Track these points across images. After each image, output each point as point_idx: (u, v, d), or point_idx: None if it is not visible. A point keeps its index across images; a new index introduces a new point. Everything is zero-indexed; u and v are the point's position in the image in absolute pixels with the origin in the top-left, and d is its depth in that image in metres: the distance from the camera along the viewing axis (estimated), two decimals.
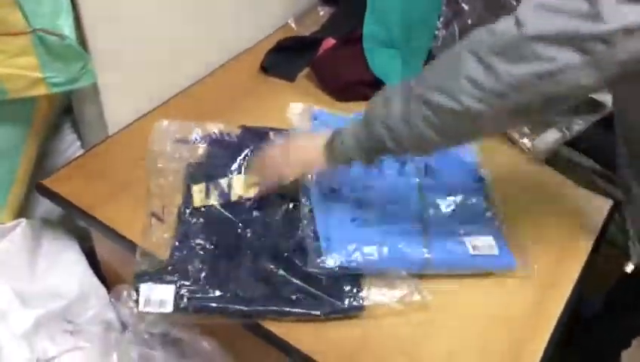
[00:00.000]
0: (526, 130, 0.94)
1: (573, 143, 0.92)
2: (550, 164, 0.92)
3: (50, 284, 0.83)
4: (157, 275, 0.70)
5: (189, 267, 0.71)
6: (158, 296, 0.68)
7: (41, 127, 0.88)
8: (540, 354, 0.68)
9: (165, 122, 0.90)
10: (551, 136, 0.93)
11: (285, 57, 1.09)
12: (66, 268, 0.86)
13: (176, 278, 0.70)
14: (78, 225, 0.92)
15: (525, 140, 0.93)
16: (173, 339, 0.74)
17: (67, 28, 0.75)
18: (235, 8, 1.09)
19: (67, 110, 0.99)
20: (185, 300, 0.68)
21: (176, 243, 0.74)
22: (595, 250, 0.80)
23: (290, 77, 1.07)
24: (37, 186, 0.86)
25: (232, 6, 1.07)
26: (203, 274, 0.71)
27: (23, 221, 0.84)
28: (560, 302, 0.73)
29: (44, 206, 0.92)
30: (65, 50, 0.75)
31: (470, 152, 0.91)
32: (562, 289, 0.75)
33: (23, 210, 0.89)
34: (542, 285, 0.75)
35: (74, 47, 0.76)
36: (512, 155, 0.94)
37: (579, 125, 0.93)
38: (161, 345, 0.72)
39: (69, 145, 0.99)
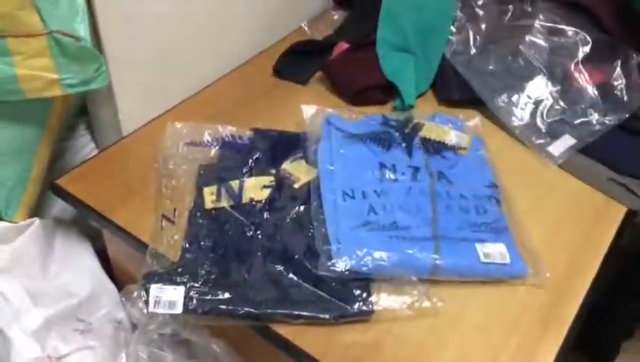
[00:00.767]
0: (541, 135, 0.94)
1: (588, 149, 0.91)
2: (565, 170, 0.91)
3: (62, 283, 0.84)
4: (167, 276, 0.70)
5: (199, 269, 0.72)
6: (168, 297, 0.68)
7: (56, 127, 0.89)
8: (552, 360, 0.67)
9: (178, 124, 0.91)
10: (566, 142, 0.92)
11: (298, 61, 1.10)
12: (78, 268, 0.86)
13: (185, 280, 0.70)
14: (90, 225, 0.93)
15: (540, 146, 0.93)
16: (183, 340, 0.74)
17: (82, 30, 0.76)
18: (248, 12, 1.09)
19: (82, 110, 1.01)
20: (194, 302, 0.68)
21: (187, 245, 0.74)
22: (609, 257, 0.79)
23: (302, 80, 1.07)
24: (51, 186, 0.87)
25: (244, 10, 1.08)
26: (213, 276, 0.71)
27: (37, 220, 0.85)
28: (572, 309, 0.72)
29: (58, 205, 0.93)
30: (80, 52, 0.76)
31: (484, 158, 0.90)
32: (575, 296, 0.74)
33: (36, 210, 0.91)
34: (554, 292, 0.74)
35: (89, 48, 0.77)
36: (526, 161, 0.93)
37: (594, 131, 0.92)
38: (171, 345, 0.72)
39: (84, 146, 1.00)
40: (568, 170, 0.90)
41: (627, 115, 0.93)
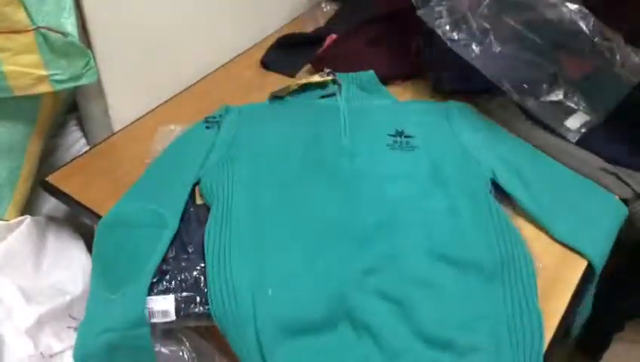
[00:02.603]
0: (556, 113, 0.93)
1: (580, 139, 0.91)
2: (557, 159, 0.90)
3: (54, 281, 0.83)
4: (156, 286, 0.69)
5: (186, 273, 0.70)
6: (160, 307, 0.67)
7: (46, 124, 0.89)
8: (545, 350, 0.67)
9: (169, 126, 0.91)
10: (581, 118, 0.92)
11: (286, 53, 1.09)
12: (70, 265, 0.86)
13: (174, 286, 0.69)
14: (82, 222, 0.92)
15: (556, 122, 0.92)
16: (175, 337, 0.74)
17: (70, 25, 0.76)
18: (239, 6, 1.09)
19: (73, 107, 1.00)
20: (186, 307, 0.68)
21: (174, 252, 0.73)
22: None
23: (291, 73, 1.07)
24: (42, 183, 0.86)
25: (235, 3, 1.07)
26: (202, 279, 0.70)
27: (28, 218, 0.84)
28: (564, 300, 0.72)
29: (50, 203, 0.93)
30: (68, 48, 0.76)
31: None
32: (567, 285, 0.74)
33: (28, 207, 0.90)
34: (546, 282, 0.73)
35: (76, 44, 0.76)
36: None
37: (604, 110, 0.92)
38: (162, 341, 0.72)
39: (75, 142, 1.00)
40: (560, 160, 0.90)
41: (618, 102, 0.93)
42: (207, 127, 0.89)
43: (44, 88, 0.78)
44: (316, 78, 0.95)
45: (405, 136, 0.86)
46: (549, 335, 0.68)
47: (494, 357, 0.63)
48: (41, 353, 0.76)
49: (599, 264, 0.75)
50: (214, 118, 0.90)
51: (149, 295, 0.68)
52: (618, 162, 0.87)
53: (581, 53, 0.99)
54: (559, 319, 0.70)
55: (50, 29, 0.74)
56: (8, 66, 0.74)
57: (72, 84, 0.79)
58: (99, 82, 0.88)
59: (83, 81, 0.80)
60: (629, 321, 1.16)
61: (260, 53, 1.10)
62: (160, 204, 0.77)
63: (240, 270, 0.68)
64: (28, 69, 0.75)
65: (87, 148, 0.97)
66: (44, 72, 0.76)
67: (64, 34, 0.75)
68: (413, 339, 0.64)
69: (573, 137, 0.90)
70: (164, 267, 0.71)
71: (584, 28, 0.99)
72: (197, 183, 0.81)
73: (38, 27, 0.74)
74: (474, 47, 0.99)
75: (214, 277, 0.68)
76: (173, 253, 0.73)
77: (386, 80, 1.01)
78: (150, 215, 0.75)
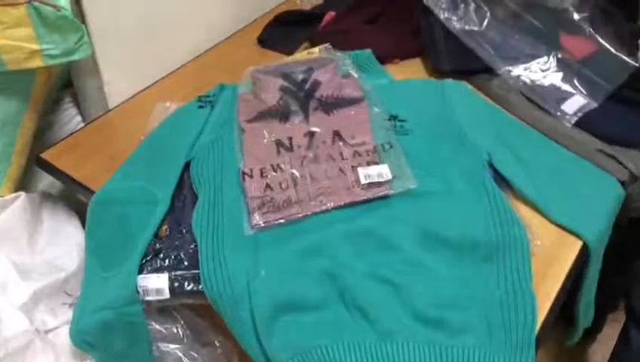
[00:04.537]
0: (552, 97, 0.93)
1: (577, 120, 0.90)
2: (554, 140, 0.90)
3: (49, 257, 0.83)
4: (149, 263, 0.69)
5: (180, 251, 0.70)
6: (154, 285, 0.67)
7: (40, 99, 0.88)
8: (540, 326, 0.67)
9: (165, 103, 0.90)
10: (578, 101, 0.91)
11: (284, 31, 1.08)
12: (65, 242, 0.86)
13: (167, 264, 0.69)
14: (78, 199, 0.92)
15: (553, 106, 0.91)
16: (169, 314, 0.74)
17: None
18: None
19: (68, 84, 0.99)
20: (179, 285, 0.67)
21: (168, 231, 0.73)
22: None
23: (288, 51, 1.05)
24: (37, 160, 0.86)
25: None
26: (196, 258, 0.69)
27: (22, 194, 0.84)
28: (559, 278, 0.72)
29: (45, 179, 0.93)
30: (61, 22, 0.75)
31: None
32: (563, 266, 0.73)
33: (23, 184, 0.90)
34: (543, 261, 0.73)
35: (70, 18, 0.76)
36: None
37: (602, 93, 0.91)
38: (157, 319, 0.72)
39: (70, 119, 0.99)
40: (557, 141, 0.89)
41: (617, 85, 0.92)
42: (200, 106, 0.88)
43: (37, 63, 0.77)
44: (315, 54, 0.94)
45: (399, 120, 0.85)
46: (542, 316, 0.68)
47: (487, 336, 0.63)
48: (36, 329, 0.76)
49: (595, 246, 0.75)
50: (208, 96, 0.89)
51: (144, 273, 0.68)
52: (615, 141, 0.86)
53: (581, 35, 0.99)
54: (553, 300, 0.70)
55: (43, 2, 0.73)
56: (1, 40, 0.73)
57: (64, 59, 0.78)
58: (94, 58, 0.87)
59: (76, 57, 0.79)
60: (622, 300, 1.17)
61: (257, 31, 1.09)
62: (151, 181, 0.76)
63: (233, 253, 0.68)
64: (21, 43, 0.75)
65: (83, 124, 0.97)
66: (36, 47, 0.75)
67: (57, 7, 0.74)
68: (406, 318, 0.64)
69: (570, 121, 0.89)
70: (158, 245, 0.70)
71: (584, 7, 0.98)
72: (189, 162, 0.81)
73: (31, 0, 0.72)
74: (471, 27, 0.99)
75: (208, 261, 0.68)
76: (168, 231, 0.73)
77: (384, 59, 1.00)
78: (141, 192, 0.75)
